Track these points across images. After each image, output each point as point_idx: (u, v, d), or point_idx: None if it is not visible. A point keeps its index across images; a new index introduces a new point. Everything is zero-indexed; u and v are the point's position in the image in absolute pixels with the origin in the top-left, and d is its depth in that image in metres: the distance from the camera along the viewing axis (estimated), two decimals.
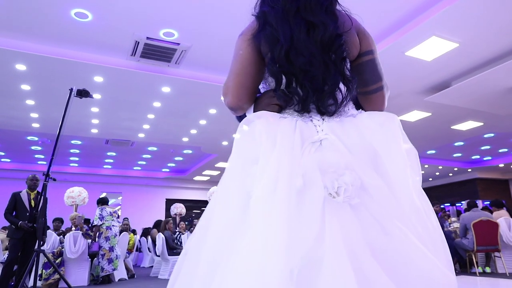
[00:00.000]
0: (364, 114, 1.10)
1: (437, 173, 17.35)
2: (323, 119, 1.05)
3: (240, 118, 1.18)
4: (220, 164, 14.05)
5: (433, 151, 13.49)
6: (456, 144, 12.45)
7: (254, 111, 1.13)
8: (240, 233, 0.88)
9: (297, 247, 0.79)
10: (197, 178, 16.48)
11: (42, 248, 4.47)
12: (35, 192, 5.47)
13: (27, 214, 5.14)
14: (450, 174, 17.75)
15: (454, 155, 14.33)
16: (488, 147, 13.15)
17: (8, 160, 13.15)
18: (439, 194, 17.97)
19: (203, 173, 15.56)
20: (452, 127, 10.00)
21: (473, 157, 15.07)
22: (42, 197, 4.62)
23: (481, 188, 16.65)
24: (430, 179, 18.59)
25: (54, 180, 4.76)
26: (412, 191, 0.97)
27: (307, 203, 0.86)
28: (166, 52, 6.20)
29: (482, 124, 9.75)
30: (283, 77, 1.08)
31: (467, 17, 5.19)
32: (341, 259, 0.77)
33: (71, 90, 4.35)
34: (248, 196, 0.90)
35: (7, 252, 6.64)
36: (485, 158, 15.38)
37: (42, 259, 5.81)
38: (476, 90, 7.18)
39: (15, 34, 5.54)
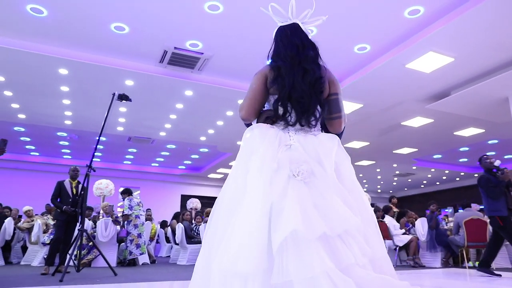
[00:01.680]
0: (322, 133, 1.80)
1: (444, 177, 17.78)
2: (294, 133, 1.74)
3: (248, 125, 1.89)
4: (234, 163, 14.76)
5: (439, 156, 13.98)
6: (461, 149, 12.93)
7: (257, 122, 1.85)
8: (243, 192, 1.58)
9: (270, 198, 1.47)
10: (211, 175, 17.22)
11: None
12: (76, 181, 6.27)
13: (70, 200, 5.94)
14: (457, 179, 18.16)
15: (460, 160, 14.79)
16: (494, 153, 13.56)
17: (37, 154, 14.10)
18: (447, 198, 18.37)
19: (218, 171, 16.31)
20: (455, 133, 10.54)
21: None
22: (83, 185, 5.42)
23: None
24: (438, 183, 19.03)
25: (94, 170, 5.55)
26: (351, 178, 1.66)
27: (278, 178, 1.54)
28: (190, 60, 6.95)
29: (483, 131, 10.27)
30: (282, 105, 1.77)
31: (460, 35, 5.81)
32: (294, 207, 1.43)
33: (113, 94, 5.10)
34: (247, 172, 1.61)
35: (46, 235, 7.50)
36: None
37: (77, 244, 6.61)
38: (473, 100, 7.75)
39: (60, 43, 6.35)
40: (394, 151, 12.58)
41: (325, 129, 1.92)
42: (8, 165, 13.89)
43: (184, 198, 16.10)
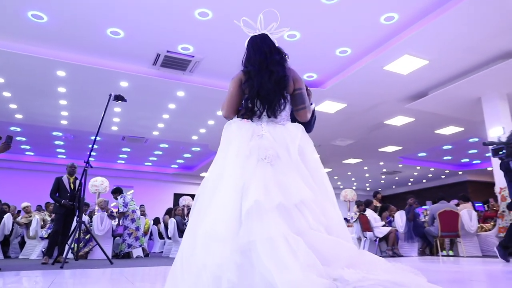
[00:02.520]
0: (289, 123, 2.18)
1: (430, 175, 18.35)
2: (266, 125, 2.13)
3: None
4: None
5: (424, 154, 14.52)
6: (444, 147, 13.47)
7: (236, 118, 2.26)
8: (222, 175, 1.97)
9: (243, 178, 1.85)
10: (203, 174, 17.57)
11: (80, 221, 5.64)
12: (73, 177, 6.63)
13: (68, 194, 6.30)
14: (443, 176, 18.74)
15: (444, 158, 15.34)
16: (475, 151, 14.13)
17: (32, 154, 14.37)
18: (433, 195, 18.92)
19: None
20: (436, 131, 11.06)
21: (463, 160, 16.07)
22: (80, 181, 5.79)
23: (471, 190, 17.59)
24: (424, 180, 19.60)
25: (92, 167, 5.93)
26: (314, 158, 2.07)
27: (249, 162, 1.93)
28: (182, 63, 7.34)
29: (463, 129, 10.80)
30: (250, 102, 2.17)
31: (433, 40, 6.28)
32: (258, 184, 1.81)
33: (110, 95, 5.49)
34: (226, 159, 2.02)
35: (44, 229, 7.84)
36: (474, 162, 16.37)
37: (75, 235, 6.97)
38: (449, 99, 8.25)
39: (59, 46, 6.71)
40: (379, 149, 13.08)
41: (296, 120, 2.33)
42: (3, 165, 14.14)
43: (177, 197, 16.43)
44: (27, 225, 8.31)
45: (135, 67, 7.45)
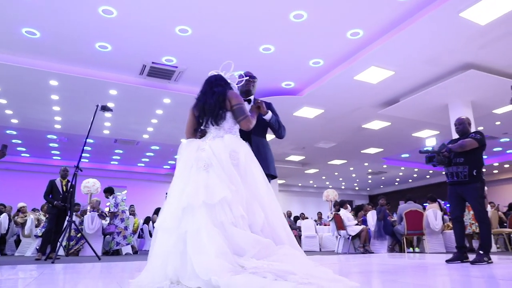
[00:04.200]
0: (227, 135, 2.68)
1: (415, 175, 18.95)
2: (209, 140, 2.65)
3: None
4: None
5: (407, 155, 15.09)
6: (425, 149, 14.02)
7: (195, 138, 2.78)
8: (175, 180, 2.50)
9: (184, 183, 2.38)
10: None
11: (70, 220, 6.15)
12: (66, 180, 7.14)
13: (60, 196, 6.80)
14: (427, 177, 19.34)
15: None
16: None
17: (28, 155, 14.86)
18: (418, 194, 19.49)
19: None
20: (413, 135, 11.63)
21: None
22: (71, 183, 6.30)
23: None
24: (410, 180, 20.21)
25: (81, 170, 6.44)
26: (247, 162, 2.58)
27: (191, 170, 2.46)
28: (167, 73, 7.87)
29: (438, 132, 11.36)
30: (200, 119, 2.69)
31: (396, 53, 6.83)
32: (193, 188, 2.33)
33: (97, 106, 6.00)
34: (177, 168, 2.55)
35: (38, 228, 8.34)
36: None
37: (66, 233, 7.49)
38: (419, 105, 8.81)
39: (51, 58, 7.22)
40: (362, 151, 13.64)
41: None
42: (0, 166, 14.61)
43: None
44: (23, 225, 8.82)
45: (123, 77, 7.97)
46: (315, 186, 20.92)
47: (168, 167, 17.65)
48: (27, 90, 8.17)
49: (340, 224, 8.49)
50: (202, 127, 2.75)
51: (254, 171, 2.53)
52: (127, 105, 9.05)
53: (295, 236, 10.50)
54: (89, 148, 13.85)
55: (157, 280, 2.21)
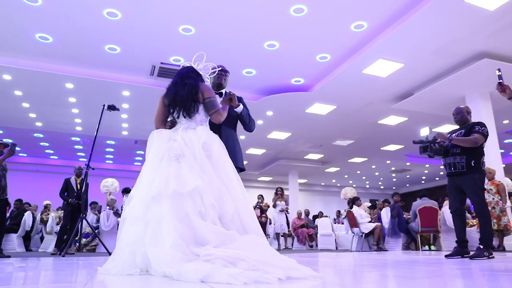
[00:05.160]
0: (199, 127, 2.71)
1: (441, 173, 18.26)
2: (181, 131, 2.69)
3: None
4: None
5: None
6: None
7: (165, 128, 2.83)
8: (145, 170, 2.56)
9: (154, 173, 2.42)
10: None
11: (84, 216, 6.39)
12: (80, 178, 7.43)
13: (75, 194, 7.10)
14: None
15: None
16: None
17: (56, 157, 15.54)
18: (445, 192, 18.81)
19: None
20: (433, 130, 11.20)
21: None
22: (85, 181, 6.55)
23: None
24: (437, 178, 19.50)
25: (93, 169, 6.68)
26: (219, 153, 2.60)
27: (162, 160, 2.51)
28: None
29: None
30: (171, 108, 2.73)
31: (403, 44, 6.65)
32: (162, 178, 2.35)
33: (103, 106, 6.21)
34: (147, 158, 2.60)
35: (59, 225, 8.71)
36: None
37: (84, 229, 7.78)
38: (434, 98, 8.50)
39: (65, 62, 7.54)
40: (381, 148, 13.32)
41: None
42: (31, 168, 15.39)
43: None
44: (46, 222, 9.24)
45: (135, 78, 8.20)
46: (338, 185, 20.60)
47: None
48: (46, 93, 8.57)
49: (353, 222, 8.33)
50: (172, 118, 2.79)
51: (226, 163, 2.56)
52: (141, 105, 9.30)
53: (311, 234, 10.39)
54: (112, 150, 14.31)
55: (126, 268, 2.25)
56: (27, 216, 8.84)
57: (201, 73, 3.02)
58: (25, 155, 15.13)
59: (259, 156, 14.70)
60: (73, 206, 6.97)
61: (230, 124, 3.21)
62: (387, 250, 7.95)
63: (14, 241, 8.71)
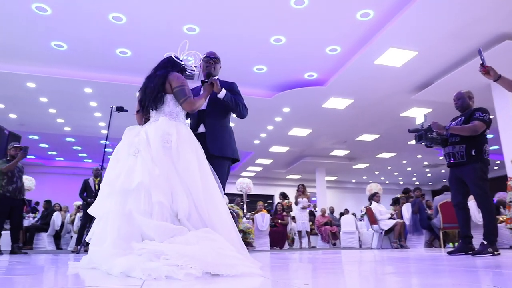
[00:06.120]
0: (161, 118, 2.66)
1: None
2: (148, 125, 2.67)
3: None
4: (259, 161, 15.80)
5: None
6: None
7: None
8: (108, 167, 2.58)
9: (114, 168, 2.46)
10: (244, 173, 18.35)
11: None
12: (98, 179, 7.72)
13: (93, 194, 7.39)
14: (496, 168, 17.45)
15: (491, 148, 14.39)
16: None
17: (90, 161, 16.26)
18: (490, 187, 17.73)
19: (248, 169, 17.42)
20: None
21: None
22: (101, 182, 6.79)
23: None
24: None
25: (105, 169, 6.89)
26: (183, 149, 2.56)
27: (123, 156, 2.52)
28: (188, 74, 8.10)
29: (492, 116, 10.21)
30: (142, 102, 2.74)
31: (413, 31, 6.33)
32: (116, 173, 2.35)
33: (111, 107, 6.40)
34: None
35: None
36: None
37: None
38: (456, 87, 7.93)
39: (81, 67, 7.86)
40: (409, 142, 12.77)
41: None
42: (67, 171, 16.22)
43: None
44: (73, 222, 9.69)
45: None
46: (370, 182, 19.99)
47: None
48: (69, 99, 8.98)
49: (372, 218, 8.05)
50: (144, 112, 2.80)
51: (187, 155, 2.45)
52: None
53: (334, 232, 10.16)
54: (109, 150, 14.73)
55: (93, 260, 2.31)
56: (56, 217, 9.30)
57: (183, 63, 2.99)
58: (62, 159, 15.96)
59: (284, 154, 14.59)
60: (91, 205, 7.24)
61: (217, 113, 3.00)
62: (408, 248, 7.60)
63: (45, 240, 9.20)
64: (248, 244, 8.55)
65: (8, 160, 5.76)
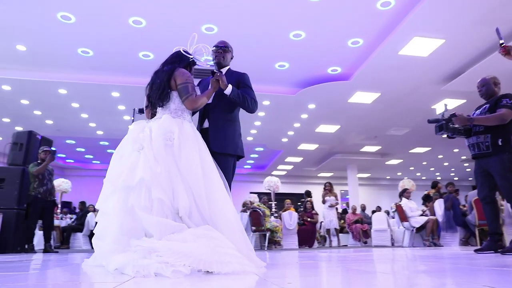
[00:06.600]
0: (164, 115, 2.62)
1: None
2: (153, 121, 2.66)
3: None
4: (289, 159, 15.68)
5: None
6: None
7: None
8: (110, 162, 2.60)
9: (124, 162, 2.45)
10: (275, 172, 18.29)
11: None
12: None
13: None
14: None
15: None
16: None
17: None
18: None
19: (278, 167, 17.34)
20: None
21: None
22: None
23: None
24: None
25: None
26: (185, 147, 2.54)
27: (127, 151, 2.53)
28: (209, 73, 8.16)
29: None
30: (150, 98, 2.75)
31: (437, 18, 6.02)
32: (120, 169, 2.37)
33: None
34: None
35: None
36: None
37: None
38: (494, 74, 7.52)
39: (108, 72, 8.11)
40: (443, 136, 12.17)
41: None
42: (101, 174, 16.82)
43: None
44: None
45: None
46: (405, 178, 19.32)
47: (249, 166, 18.18)
48: (98, 103, 9.31)
49: (402, 215, 7.75)
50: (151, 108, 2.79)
51: (189, 153, 2.42)
52: None
53: (366, 230, 9.90)
54: None
55: (98, 259, 2.36)
56: (90, 217, 9.67)
57: (192, 56, 2.94)
58: (98, 162, 16.60)
59: (313, 151, 14.39)
60: None
61: (222, 108, 2.90)
62: (442, 246, 7.25)
63: (80, 240, 9.59)
64: (275, 242, 8.49)
65: (39, 163, 6.04)
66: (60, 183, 9.94)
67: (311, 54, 7.49)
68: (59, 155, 15.44)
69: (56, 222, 9.19)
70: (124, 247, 2.07)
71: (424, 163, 16.34)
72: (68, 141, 13.09)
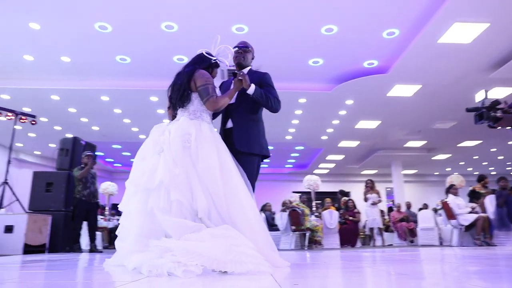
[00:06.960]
0: (181, 118, 2.62)
1: None
2: (172, 124, 2.67)
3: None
4: (330, 157, 15.38)
5: None
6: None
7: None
8: (133, 164, 2.65)
9: (146, 164, 2.50)
10: (316, 171, 18.01)
11: None
12: None
13: None
14: None
15: None
16: None
17: None
18: None
19: (319, 166, 17.06)
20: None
21: None
22: None
23: None
24: None
25: None
26: (202, 148, 2.54)
27: (148, 154, 2.57)
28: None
29: None
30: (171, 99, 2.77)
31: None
32: (142, 171, 2.40)
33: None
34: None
35: None
36: None
37: None
38: None
39: (146, 77, 8.38)
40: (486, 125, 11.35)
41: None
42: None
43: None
44: None
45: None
46: (455, 173, 18.26)
47: (291, 166, 18.04)
48: (139, 108, 9.66)
49: (449, 213, 7.31)
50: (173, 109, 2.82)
51: (207, 155, 2.44)
52: None
53: (412, 229, 9.49)
54: None
55: (118, 258, 2.44)
56: None
57: (215, 58, 2.90)
58: None
59: (354, 148, 14.01)
60: None
61: (246, 106, 2.89)
62: (495, 245, 6.75)
63: None
64: (316, 242, 8.34)
65: (82, 167, 6.36)
66: (107, 186, 10.41)
67: (345, 48, 7.28)
68: (107, 159, 16.25)
69: (104, 224, 9.64)
70: (143, 247, 2.11)
71: (476, 157, 15.35)
72: (114, 146, 13.71)
